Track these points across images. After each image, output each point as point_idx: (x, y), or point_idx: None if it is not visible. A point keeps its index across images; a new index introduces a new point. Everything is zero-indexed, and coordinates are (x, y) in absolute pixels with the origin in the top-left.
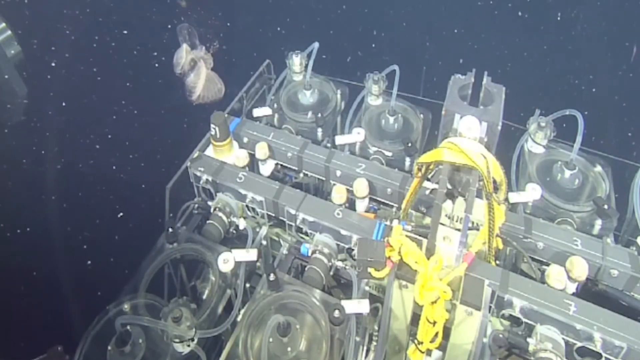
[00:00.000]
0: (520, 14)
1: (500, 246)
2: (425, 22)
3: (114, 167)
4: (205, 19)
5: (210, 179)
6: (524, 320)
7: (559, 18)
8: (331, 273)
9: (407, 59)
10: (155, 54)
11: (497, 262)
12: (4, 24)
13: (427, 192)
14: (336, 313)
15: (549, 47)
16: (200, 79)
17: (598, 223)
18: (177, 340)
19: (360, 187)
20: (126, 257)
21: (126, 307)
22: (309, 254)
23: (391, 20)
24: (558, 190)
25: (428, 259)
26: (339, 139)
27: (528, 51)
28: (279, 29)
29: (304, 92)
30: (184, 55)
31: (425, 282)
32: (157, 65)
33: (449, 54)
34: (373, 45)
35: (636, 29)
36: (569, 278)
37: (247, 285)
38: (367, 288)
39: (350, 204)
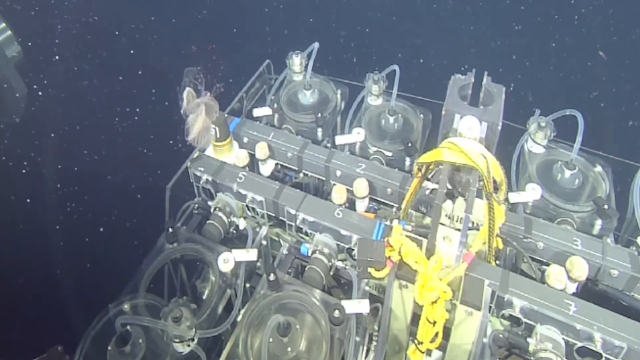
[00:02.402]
0: (520, 14)
1: (500, 246)
2: (425, 22)
3: (114, 167)
4: (212, 60)
5: (210, 179)
6: (524, 320)
7: (559, 18)
8: (331, 273)
9: (407, 59)
10: (158, 54)
11: (497, 262)
12: (4, 24)
13: (427, 192)
14: (336, 313)
15: (549, 47)
16: (197, 124)
17: (598, 223)
18: (177, 340)
19: (360, 187)
20: (126, 257)
21: (126, 307)
22: (309, 254)
23: (391, 20)
24: (558, 190)
25: (428, 259)
26: (339, 139)
27: (528, 51)
28: (279, 29)
29: (304, 92)
30: (187, 98)
31: (425, 282)
32: (158, 65)
33: (449, 54)
34: (373, 46)
35: (636, 28)
36: (569, 278)
37: (247, 285)
38: (367, 288)
39: (350, 204)
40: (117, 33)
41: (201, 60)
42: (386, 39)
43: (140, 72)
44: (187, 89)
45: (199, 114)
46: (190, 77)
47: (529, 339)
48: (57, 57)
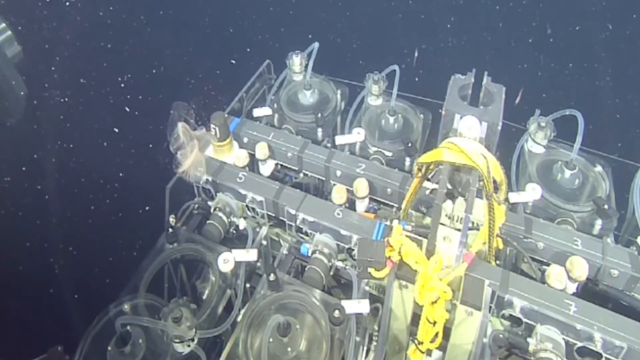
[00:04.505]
0: (520, 14)
1: (500, 246)
2: (425, 22)
3: (113, 167)
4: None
5: (210, 179)
6: (524, 320)
7: (559, 18)
8: (331, 273)
9: (407, 59)
10: (158, 53)
11: (497, 262)
12: (4, 24)
13: (427, 192)
14: (336, 313)
15: (549, 46)
16: (189, 159)
17: (598, 223)
18: (177, 340)
19: (360, 187)
20: (126, 257)
21: (126, 307)
22: (309, 254)
23: (391, 19)
24: (558, 190)
25: (428, 259)
26: (339, 139)
27: (528, 51)
28: (278, 29)
29: (304, 92)
30: (182, 133)
31: (425, 282)
32: (159, 64)
33: (449, 54)
34: (373, 46)
35: (636, 28)
36: (569, 278)
37: (247, 285)
38: (367, 288)
39: (350, 204)
40: (117, 32)
41: (201, 60)
42: (386, 39)
43: (141, 71)
44: (181, 123)
45: (192, 149)
46: (180, 112)
47: (529, 339)
48: (57, 57)
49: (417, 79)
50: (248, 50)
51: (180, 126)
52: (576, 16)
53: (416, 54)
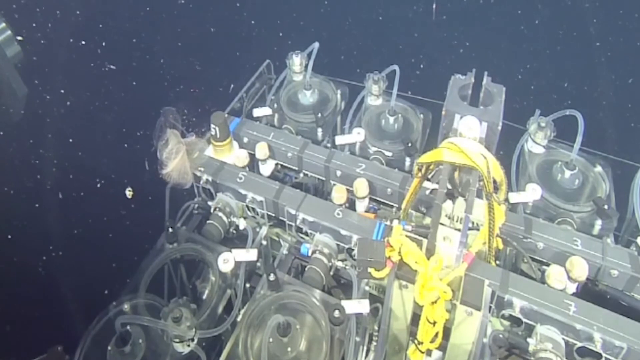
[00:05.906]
0: (520, 14)
1: (500, 246)
2: (425, 22)
3: (113, 167)
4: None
5: (210, 179)
6: (524, 320)
7: (559, 18)
8: (331, 273)
9: (407, 59)
10: (158, 52)
11: (497, 262)
12: (4, 24)
13: (427, 192)
14: (336, 313)
15: (549, 47)
16: (173, 162)
17: (598, 223)
18: (177, 340)
19: (360, 187)
20: (126, 257)
21: (126, 307)
22: (309, 254)
23: (391, 19)
24: (558, 190)
25: (428, 259)
26: (339, 139)
27: (528, 51)
28: (278, 29)
29: (304, 92)
30: (170, 139)
31: (425, 282)
32: (158, 64)
33: (449, 54)
34: (373, 45)
35: (637, 28)
36: (569, 278)
37: (247, 285)
38: (367, 288)
39: (350, 204)
40: (117, 33)
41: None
42: (386, 39)
43: (142, 71)
44: (171, 130)
45: (178, 152)
46: (167, 118)
47: (529, 339)
48: (57, 57)
49: (417, 79)
50: (248, 49)
51: (170, 132)
52: (576, 16)
53: (434, 6)
